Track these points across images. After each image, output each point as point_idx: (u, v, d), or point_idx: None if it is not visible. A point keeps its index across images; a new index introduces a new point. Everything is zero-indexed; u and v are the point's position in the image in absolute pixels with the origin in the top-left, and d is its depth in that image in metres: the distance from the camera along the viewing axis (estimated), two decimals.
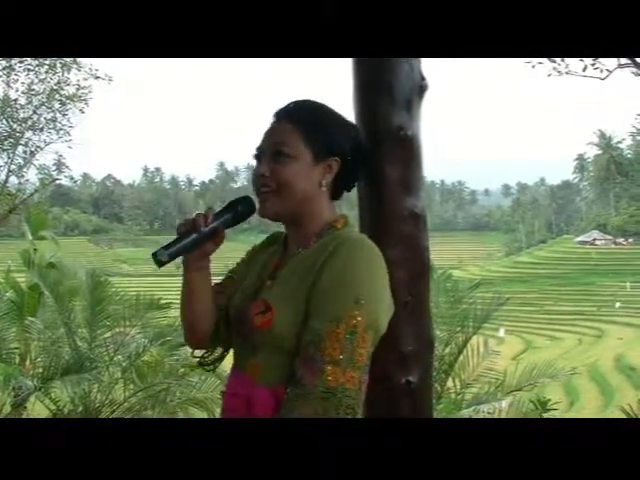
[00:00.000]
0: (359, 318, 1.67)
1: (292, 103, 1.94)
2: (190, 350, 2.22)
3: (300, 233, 1.91)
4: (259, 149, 1.91)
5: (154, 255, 1.78)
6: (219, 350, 2.10)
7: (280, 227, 2.04)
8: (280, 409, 1.70)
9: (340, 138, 1.91)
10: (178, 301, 2.02)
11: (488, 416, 8.40)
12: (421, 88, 2.36)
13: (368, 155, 2.10)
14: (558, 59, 13.00)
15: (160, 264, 1.78)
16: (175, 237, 1.84)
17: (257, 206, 1.92)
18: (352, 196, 2.26)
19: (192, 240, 1.84)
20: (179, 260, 1.91)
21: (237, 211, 1.92)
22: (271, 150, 1.86)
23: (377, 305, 1.73)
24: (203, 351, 2.12)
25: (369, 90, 2.32)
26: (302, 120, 1.88)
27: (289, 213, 1.89)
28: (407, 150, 2.28)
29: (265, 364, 1.80)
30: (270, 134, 1.90)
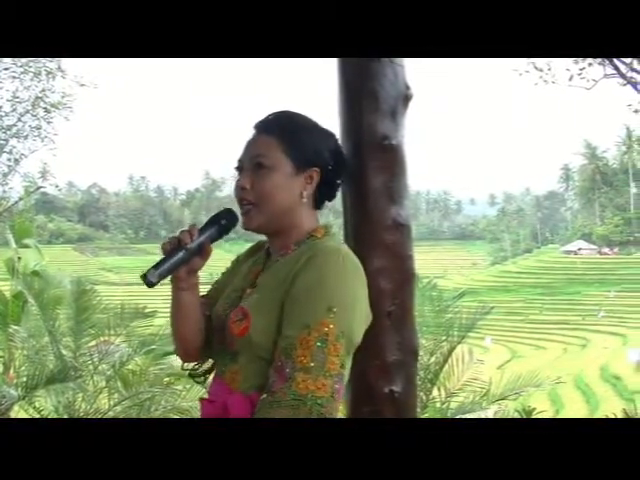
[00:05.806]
0: (331, 326, 1.67)
1: (271, 114, 1.94)
2: (176, 358, 2.21)
3: (281, 242, 1.91)
4: (240, 161, 1.92)
5: (144, 277, 1.76)
6: (209, 361, 2.08)
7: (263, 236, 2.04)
8: (254, 416, 1.70)
9: (320, 148, 1.91)
10: (163, 309, 2.03)
11: None
12: (406, 97, 2.36)
13: (350, 164, 2.10)
14: (545, 68, 13.15)
15: (150, 285, 1.77)
16: (162, 257, 1.82)
17: (240, 218, 1.91)
18: (338, 205, 2.26)
19: (180, 258, 1.82)
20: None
21: (221, 224, 1.90)
22: (251, 162, 1.87)
23: (350, 314, 1.73)
24: (193, 363, 2.11)
25: (354, 99, 2.33)
26: (282, 131, 1.88)
27: (271, 225, 1.89)
28: (391, 159, 2.28)
29: (243, 371, 1.81)
30: (250, 146, 1.91)
